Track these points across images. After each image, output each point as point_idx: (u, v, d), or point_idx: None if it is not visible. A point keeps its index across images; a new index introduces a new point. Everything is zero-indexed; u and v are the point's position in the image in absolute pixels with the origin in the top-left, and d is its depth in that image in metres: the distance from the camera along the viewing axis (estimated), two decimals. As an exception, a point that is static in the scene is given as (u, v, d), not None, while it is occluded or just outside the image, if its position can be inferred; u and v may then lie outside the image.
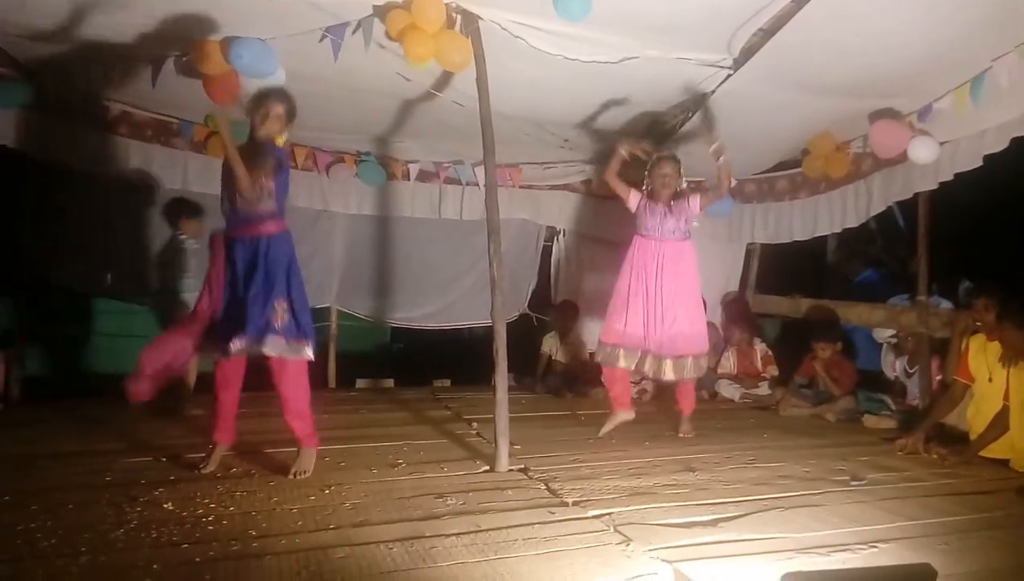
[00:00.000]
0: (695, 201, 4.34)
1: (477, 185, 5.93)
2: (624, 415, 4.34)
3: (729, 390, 5.66)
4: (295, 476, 3.31)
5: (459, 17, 3.63)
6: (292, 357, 3.30)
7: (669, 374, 4.23)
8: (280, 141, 3.39)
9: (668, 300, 4.23)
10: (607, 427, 4.32)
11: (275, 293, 3.26)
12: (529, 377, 5.82)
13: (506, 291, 3.78)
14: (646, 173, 4.35)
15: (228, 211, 3.35)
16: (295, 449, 3.46)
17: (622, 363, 4.26)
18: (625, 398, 4.39)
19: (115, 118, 5.00)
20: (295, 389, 3.37)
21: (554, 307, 6.28)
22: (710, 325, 6.10)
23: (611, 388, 4.39)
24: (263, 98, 3.34)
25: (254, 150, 3.30)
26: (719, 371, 5.86)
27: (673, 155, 4.46)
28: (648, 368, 4.25)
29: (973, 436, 3.98)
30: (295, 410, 3.39)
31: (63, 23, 3.80)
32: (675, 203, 4.34)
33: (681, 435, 4.38)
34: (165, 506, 2.87)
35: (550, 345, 6.07)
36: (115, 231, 5.27)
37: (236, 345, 3.22)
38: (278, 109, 3.31)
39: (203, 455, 3.43)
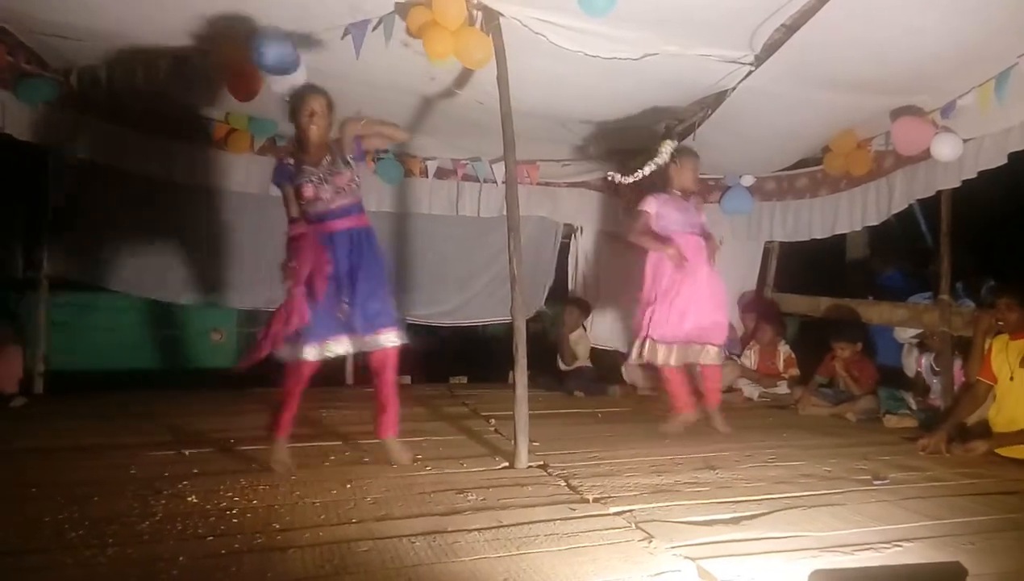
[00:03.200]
0: (703, 214, 4.53)
1: (495, 182, 5.95)
2: (688, 417, 4.39)
3: (748, 388, 5.63)
4: (395, 465, 3.43)
5: (480, 14, 3.63)
6: (399, 344, 3.42)
7: (711, 359, 4.38)
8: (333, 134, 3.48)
9: (704, 291, 4.34)
10: (672, 428, 4.35)
11: (383, 285, 3.38)
12: (545, 376, 5.79)
13: (525, 288, 3.78)
14: (669, 161, 4.38)
15: (318, 207, 3.37)
16: (318, 443, 3.51)
17: (674, 361, 4.33)
18: (688, 398, 4.43)
19: (138, 114, 5.04)
20: (395, 381, 3.52)
21: (567, 303, 6.24)
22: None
23: (675, 390, 4.41)
24: (303, 98, 3.41)
25: (321, 148, 3.40)
26: (739, 366, 5.83)
27: (692, 149, 4.55)
28: (694, 356, 4.35)
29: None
30: (394, 402, 3.52)
31: (87, 20, 3.84)
32: (687, 198, 4.44)
33: (721, 429, 4.39)
34: (189, 499, 2.90)
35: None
36: (136, 227, 5.30)
37: (345, 344, 3.35)
38: (322, 104, 3.40)
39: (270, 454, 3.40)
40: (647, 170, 4.43)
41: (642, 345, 4.37)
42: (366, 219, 3.49)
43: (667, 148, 4.41)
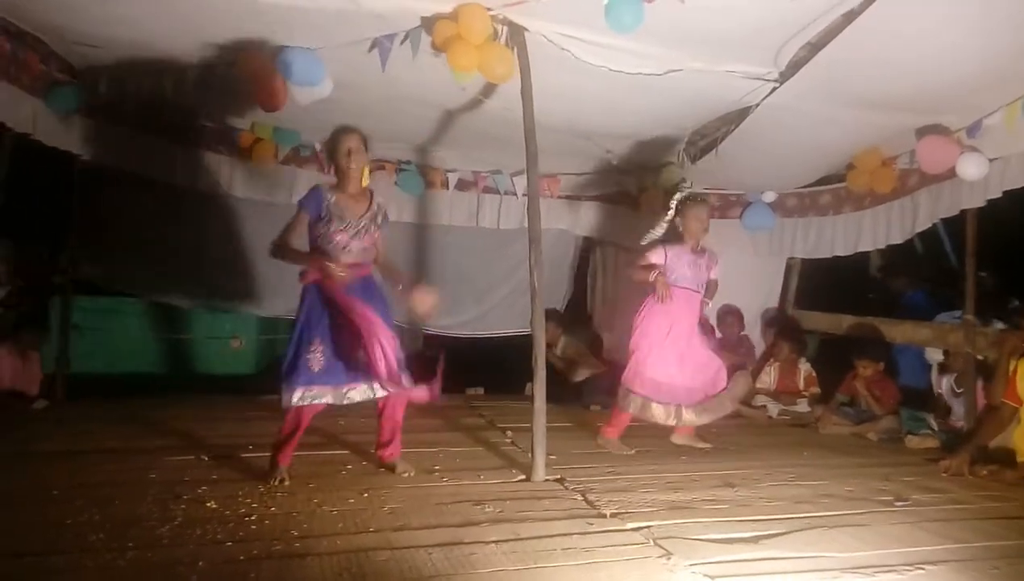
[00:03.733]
0: (715, 269, 4.40)
1: (515, 195, 5.98)
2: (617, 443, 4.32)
3: (768, 406, 5.58)
4: (407, 475, 3.46)
5: (505, 28, 3.65)
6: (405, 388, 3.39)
7: (705, 419, 4.27)
8: (367, 178, 3.54)
9: (696, 351, 4.30)
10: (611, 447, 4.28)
11: (391, 330, 3.33)
12: (560, 388, 5.74)
13: (544, 301, 3.78)
14: (675, 214, 4.30)
15: (339, 251, 3.37)
16: (332, 452, 3.58)
17: (657, 417, 4.23)
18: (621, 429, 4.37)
19: (165, 123, 5.12)
20: (401, 416, 3.55)
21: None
22: (743, 337, 6.08)
23: (620, 425, 4.35)
24: (340, 137, 3.44)
25: (357, 196, 3.45)
26: (757, 385, 5.79)
27: (705, 197, 4.49)
28: (684, 419, 4.23)
29: (1021, 459, 3.89)
30: (398, 433, 3.57)
31: (118, 30, 3.91)
32: (700, 253, 4.35)
33: (700, 446, 4.38)
34: (208, 504, 2.91)
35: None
36: (164, 234, 5.37)
37: (359, 390, 3.32)
38: (355, 143, 3.42)
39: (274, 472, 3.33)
40: (659, 232, 4.37)
41: (625, 397, 4.28)
42: (372, 267, 3.52)
43: (673, 204, 4.35)
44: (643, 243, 4.42)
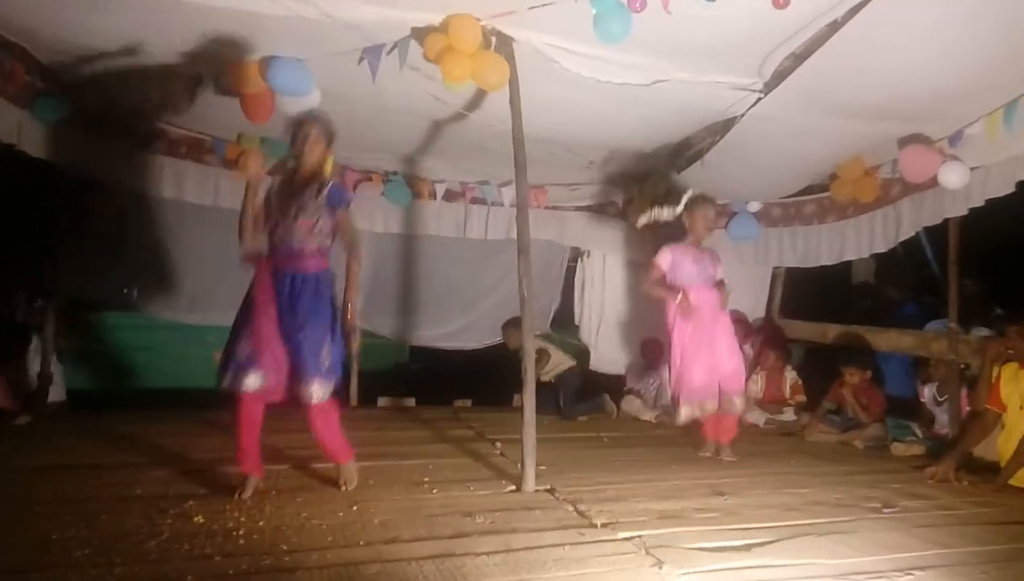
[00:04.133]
0: (719, 267, 4.55)
1: (502, 205, 5.98)
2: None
3: (754, 415, 5.60)
4: (345, 487, 3.37)
5: (494, 39, 3.66)
6: (328, 399, 3.28)
7: (735, 409, 4.42)
8: (327, 169, 3.44)
9: (722, 343, 4.41)
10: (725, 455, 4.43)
11: (324, 335, 3.23)
12: (544, 399, 5.71)
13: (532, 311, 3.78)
14: (682, 214, 4.44)
15: (277, 240, 3.30)
16: (320, 465, 3.52)
17: (705, 412, 4.37)
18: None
19: (150, 134, 5.09)
20: (330, 426, 3.38)
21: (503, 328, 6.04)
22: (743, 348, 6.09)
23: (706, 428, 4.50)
24: (300, 124, 3.38)
25: (304, 181, 3.35)
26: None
27: (711, 197, 4.61)
28: (724, 407, 4.38)
29: (1004, 464, 3.93)
30: (331, 442, 3.41)
31: (103, 40, 3.88)
32: (702, 250, 4.49)
33: (726, 458, 4.40)
34: (195, 519, 2.88)
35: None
36: (147, 246, 5.32)
37: (281, 384, 3.20)
38: (315, 132, 3.36)
39: (237, 480, 3.30)
40: (656, 213, 4.54)
41: (678, 408, 4.39)
42: (321, 264, 3.34)
43: (683, 199, 4.48)
44: (640, 220, 4.54)
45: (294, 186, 3.37)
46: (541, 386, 5.70)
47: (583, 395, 5.83)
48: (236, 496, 3.18)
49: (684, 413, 4.37)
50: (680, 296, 4.33)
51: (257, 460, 3.30)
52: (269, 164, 5.37)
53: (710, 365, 4.35)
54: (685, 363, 4.36)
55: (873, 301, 6.56)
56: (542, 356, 5.79)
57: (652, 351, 5.83)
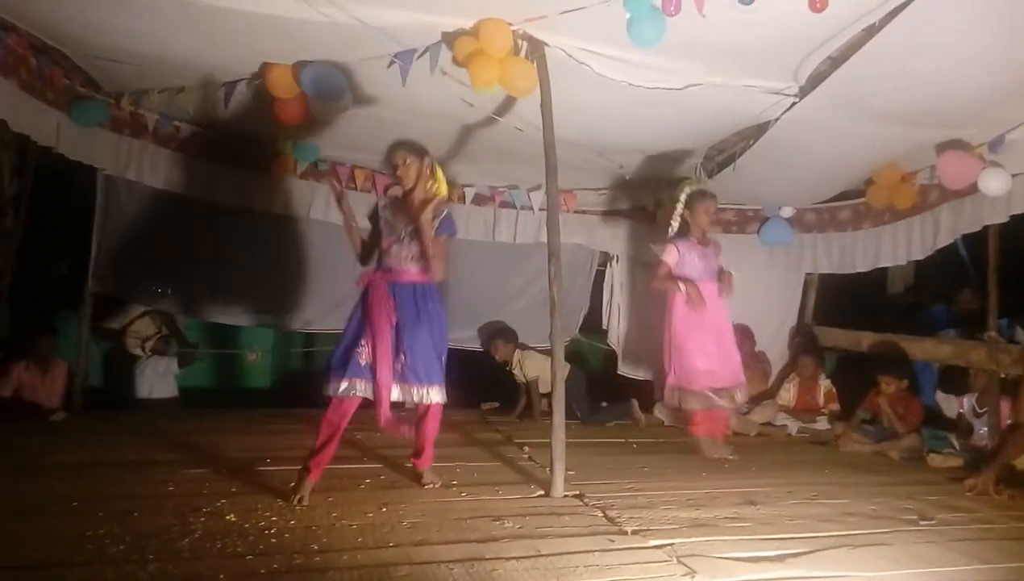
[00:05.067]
0: (721, 255, 4.66)
1: (531, 209, 5.97)
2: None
3: (787, 423, 5.52)
4: (432, 485, 3.53)
5: (525, 44, 3.66)
6: (436, 401, 3.47)
7: (734, 403, 4.52)
8: (440, 187, 3.60)
9: (725, 337, 4.55)
10: (717, 452, 4.53)
11: (439, 342, 3.46)
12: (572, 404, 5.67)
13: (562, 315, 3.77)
14: (683, 208, 4.52)
15: (391, 258, 3.49)
16: (347, 466, 3.62)
17: (704, 406, 4.47)
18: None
19: (186, 138, 5.17)
20: (435, 428, 3.56)
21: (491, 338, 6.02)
22: (759, 354, 6.02)
23: (700, 425, 4.57)
24: (390, 154, 3.57)
25: (418, 205, 3.45)
26: (777, 402, 5.74)
27: (710, 191, 4.72)
28: (723, 401, 4.48)
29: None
30: (430, 445, 3.59)
31: (140, 46, 3.95)
32: (707, 244, 4.59)
33: (727, 456, 4.48)
34: (228, 517, 2.91)
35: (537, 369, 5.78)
36: (182, 248, 5.39)
37: (396, 392, 3.37)
38: (399, 157, 3.51)
39: (294, 485, 3.29)
40: (675, 225, 4.63)
41: (673, 394, 4.52)
42: (429, 277, 3.50)
43: (682, 197, 4.57)
44: (662, 248, 4.62)
45: (407, 208, 3.50)
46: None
47: (606, 399, 5.79)
48: (295, 500, 3.16)
49: (693, 404, 4.47)
50: (692, 288, 4.43)
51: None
52: (301, 169, 5.47)
53: (712, 353, 4.45)
54: (686, 350, 4.46)
55: (906, 308, 6.44)
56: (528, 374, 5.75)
57: None
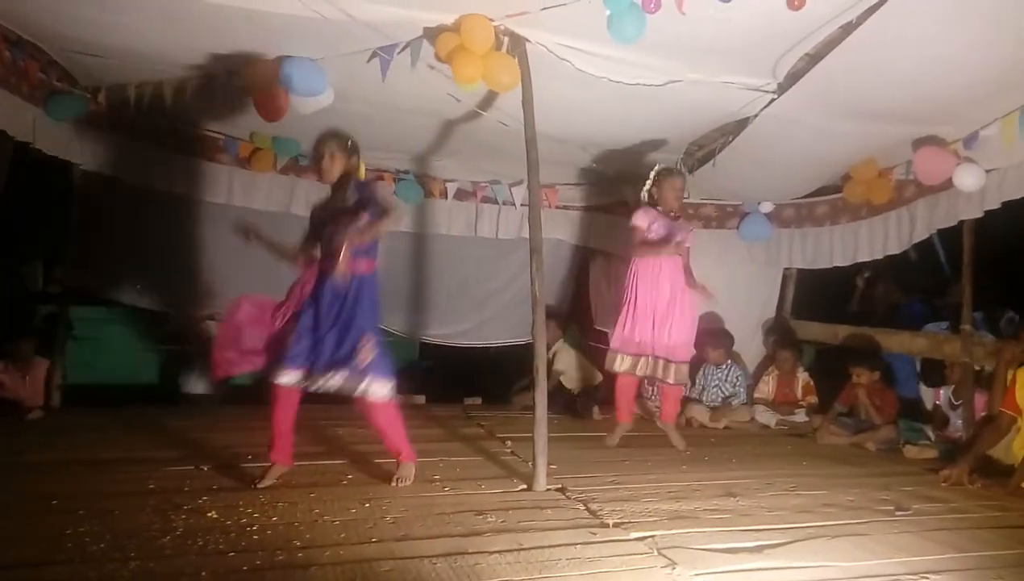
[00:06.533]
0: (691, 236, 4.64)
1: (513, 205, 5.99)
2: (625, 426, 4.64)
3: (765, 416, 5.59)
4: (397, 483, 3.42)
5: (507, 39, 3.67)
6: (376, 396, 3.34)
7: (672, 379, 4.50)
8: (361, 174, 3.53)
9: (675, 310, 4.50)
10: (612, 440, 4.61)
11: (363, 331, 3.33)
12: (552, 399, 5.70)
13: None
14: (651, 186, 4.55)
15: (323, 244, 3.42)
16: (330, 461, 3.59)
17: (629, 370, 4.51)
18: (629, 408, 4.67)
19: (164, 132, 5.12)
20: (389, 423, 3.48)
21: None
22: (735, 354, 6.03)
23: (619, 399, 4.63)
24: (317, 144, 3.47)
25: (339, 185, 3.45)
26: (755, 395, 5.80)
27: (680, 169, 4.74)
28: (655, 371, 4.50)
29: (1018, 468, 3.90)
30: (391, 439, 3.52)
31: (118, 40, 3.91)
32: (675, 218, 4.58)
33: (677, 446, 4.57)
34: (209, 515, 2.89)
35: (564, 363, 5.92)
36: (160, 243, 5.35)
37: (320, 379, 3.29)
38: (332, 149, 3.43)
39: (261, 470, 3.40)
40: (643, 198, 4.64)
41: (612, 358, 4.55)
42: (364, 267, 3.39)
43: (651, 174, 4.58)
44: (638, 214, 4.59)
45: (330, 200, 3.49)
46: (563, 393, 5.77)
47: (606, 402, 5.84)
48: (253, 485, 3.24)
49: (611, 362, 4.52)
50: (670, 245, 4.41)
51: (289, 451, 3.42)
52: (281, 164, 5.44)
53: (653, 326, 4.46)
54: (628, 315, 4.49)
55: (867, 303, 6.53)
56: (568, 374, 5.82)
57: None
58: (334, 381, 3.29)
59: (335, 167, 3.45)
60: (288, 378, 3.29)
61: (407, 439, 3.57)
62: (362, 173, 3.61)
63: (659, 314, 4.46)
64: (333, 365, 3.29)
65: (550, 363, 5.70)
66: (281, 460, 3.40)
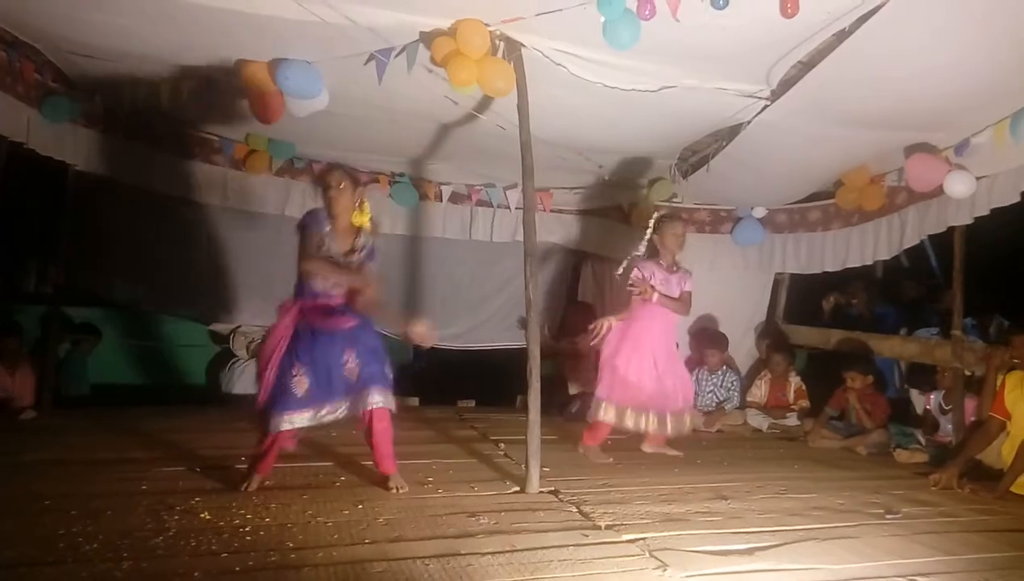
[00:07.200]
0: (688, 282, 4.52)
1: (508, 208, 6.01)
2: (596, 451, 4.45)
3: (757, 419, 5.62)
4: (397, 491, 3.39)
5: (502, 44, 3.68)
6: (382, 405, 3.39)
7: (688, 426, 4.46)
8: (366, 221, 3.49)
9: (668, 365, 4.45)
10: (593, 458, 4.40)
11: (377, 345, 3.45)
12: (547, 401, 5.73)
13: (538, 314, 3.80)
14: (651, 231, 4.45)
15: (317, 289, 3.40)
16: (322, 464, 3.64)
17: (628, 424, 4.36)
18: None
19: (159, 134, 5.12)
20: (386, 432, 3.47)
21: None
22: (727, 357, 6.07)
23: (599, 434, 4.47)
24: (327, 176, 3.48)
25: (344, 234, 3.44)
26: (748, 399, 5.83)
27: (679, 213, 4.64)
28: (652, 427, 4.39)
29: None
30: (386, 447, 3.49)
31: (114, 41, 3.92)
32: (673, 271, 4.49)
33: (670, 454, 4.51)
34: (202, 515, 2.90)
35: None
36: (155, 244, 5.35)
37: (330, 414, 3.36)
38: (341, 181, 3.42)
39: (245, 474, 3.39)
40: (640, 249, 4.52)
41: (598, 406, 4.38)
42: (358, 320, 3.44)
43: (651, 222, 4.51)
44: (623, 264, 4.52)
45: (338, 240, 3.46)
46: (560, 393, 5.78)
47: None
48: (243, 488, 3.26)
49: (596, 409, 4.35)
50: (648, 287, 4.33)
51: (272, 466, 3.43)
52: (277, 165, 5.45)
53: (650, 380, 4.35)
54: (622, 364, 4.34)
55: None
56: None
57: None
58: (342, 410, 3.37)
59: (343, 198, 3.42)
60: (294, 423, 3.30)
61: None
62: (367, 209, 3.50)
63: (656, 367, 4.37)
64: (345, 394, 3.37)
65: None
66: (264, 472, 3.40)
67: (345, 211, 3.43)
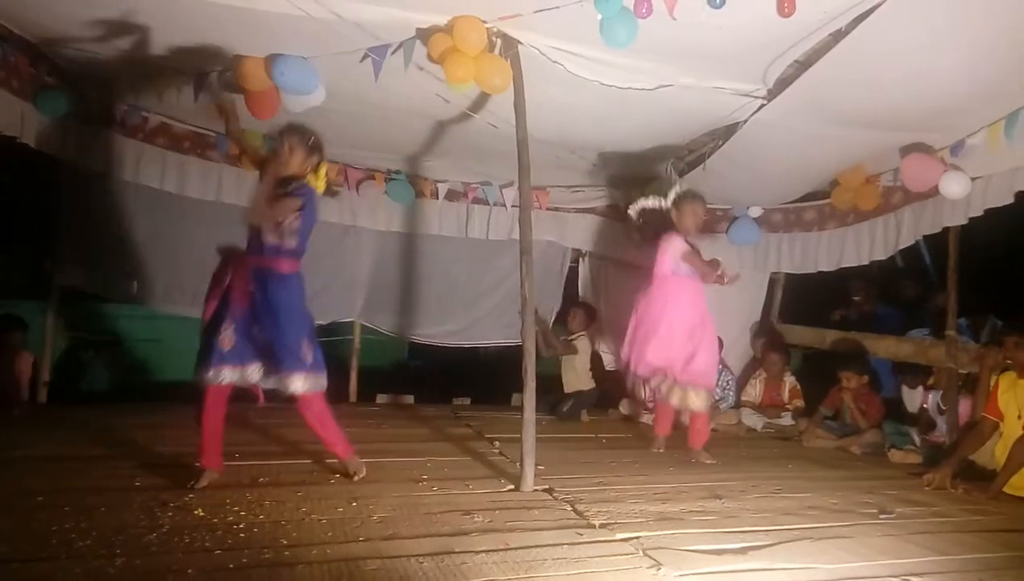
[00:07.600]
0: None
1: (504, 206, 6.00)
2: (661, 441, 4.61)
3: (752, 419, 5.63)
4: (355, 477, 3.43)
5: (499, 41, 3.68)
6: (305, 390, 3.32)
7: (697, 406, 4.37)
8: (322, 174, 3.46)
9: (697, 334, 4.38)
10: (655, 447, 4.58)
11: (299, 331, 3.31)
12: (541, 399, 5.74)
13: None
14: (672, 209, 4.42)
15: (251, 235, 3.36)
16: (316, 462, 3.59)
17: (659, 394, 4.44)
18: (665, 423, 4.64)
19: (153, 129, 5.11)
20: (318, 418, 3.43)
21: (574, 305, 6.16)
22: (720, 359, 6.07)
23: (657, 413, 4.66)
24: (282, 134, 3.41)
25: (286, 181, 3.37)
26: (743, 398, 5.84)
27: (700, 194, 4.54)
28: (678, 398, 4.38)
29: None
30: (324, 434, 3.48)
31: (108, 35, 3.90)
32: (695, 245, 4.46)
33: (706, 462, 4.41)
34: (196, 512, 2.89)
35: (582, 350, 5.91)
36: (150, 239, 5.33)
37: (257, 376, 3.30)
38: (292, 141, 3.37)
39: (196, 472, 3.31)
40: (650, 202, 4.51)
41: (633, 378, 4.50)
42: (287, 267, 3.34)
43: (672, 192, 4.46)
44: (633, 206, 4.56)
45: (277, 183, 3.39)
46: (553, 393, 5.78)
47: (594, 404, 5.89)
48: (189, 486, 3.20)
49: (669, 395, 4.37)
50: (720, 267, 4.32)
51: (218, 455, 3.34)
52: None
53: (674, 351, 4.32)
54: (650, 336, 4.35)
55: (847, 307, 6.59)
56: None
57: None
58: (268, 380, 3.31)
59: (293, 160, 3.38)
60: (221, 377, 3.23)
61: (341, 434, 3.54)
62: (323, 174, 3.48)
63: (687, 338, 4.31)
64: (265, 362, 3.30)
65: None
66: (213, 464, 3.31)
67: (288, 167, 3.37)
